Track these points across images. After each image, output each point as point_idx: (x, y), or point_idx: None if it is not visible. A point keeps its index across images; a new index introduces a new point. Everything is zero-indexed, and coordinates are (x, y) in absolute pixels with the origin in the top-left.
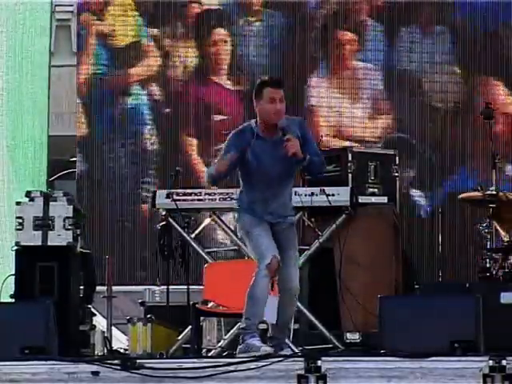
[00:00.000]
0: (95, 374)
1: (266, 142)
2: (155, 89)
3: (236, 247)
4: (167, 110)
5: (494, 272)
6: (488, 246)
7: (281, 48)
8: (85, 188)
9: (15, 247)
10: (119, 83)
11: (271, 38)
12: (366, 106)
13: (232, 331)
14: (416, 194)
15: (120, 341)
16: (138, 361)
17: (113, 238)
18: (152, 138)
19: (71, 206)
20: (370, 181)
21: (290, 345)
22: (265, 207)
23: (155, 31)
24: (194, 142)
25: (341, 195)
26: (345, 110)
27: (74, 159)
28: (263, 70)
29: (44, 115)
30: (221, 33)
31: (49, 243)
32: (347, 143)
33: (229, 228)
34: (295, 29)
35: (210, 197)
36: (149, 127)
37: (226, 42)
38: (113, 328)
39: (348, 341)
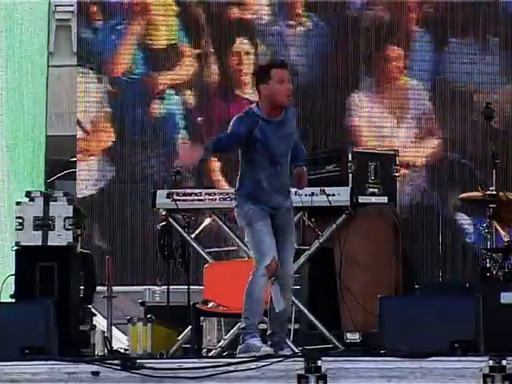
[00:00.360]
0: (95, 374)
1: (271, 123)
2: (189, 95)
3: (236, 247)
4: (200, 118)
5: (494, 272)
6: (488, 246)
7: (322, 58)
8: (115, 194)
9: (15, 247)
10: (152, 86)
11: (312, 47)
12: (411, 126)
13: (232, 331)
14: (463, 218)
15: (120, 341)
16: (138, 361)
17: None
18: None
19: (71, 206)
20: (370, 181)
21: (290, 344)
22: (268, 187)
23: (192, 35)
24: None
25: (341, 195)
26: (388, 130)
27: (74, 159)
28: (302, 81)
29: (43, 115)
30: (244, 44)
31: (49, 243)
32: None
33: (229, 228)
34: (338, 37)
35: (210, 197)
36: (181, 135)
37: (248, 53)
38: (113, 328)
39: (348, 341)
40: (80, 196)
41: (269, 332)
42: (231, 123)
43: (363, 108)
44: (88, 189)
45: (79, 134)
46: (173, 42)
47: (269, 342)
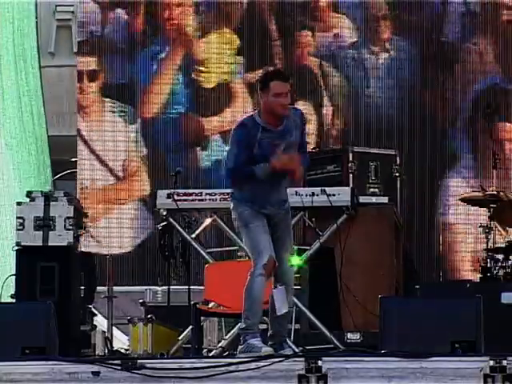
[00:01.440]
0: (96, 374)
1: (272, 132)
2: None
3: (237, 247)
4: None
5: (495, 272)
6: (489, 247)
7: (410, 88)
8: None
9: (16, 247)
10: (196, 130)
11: (398, 75)
12: None
13: (233, 331)
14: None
15: (121, 341)
16: (138, 361)
17: None
18: None
19: (72, 206)
20: (370, 181)
21: (291, 344)
22: (267, 196)
23: (249, 74)
24: None
25: (341, 195)
26: None
27: (75, 159)
28: (385, 117)
29: (42, 114)
30: None
31: (49, 243)
32: None
33: (229, 228)
34: (428, 64)
35: (211, 197)
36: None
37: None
38: (113, 328)
39: (349, 341)
40: None
41: (269, 333)
42: (233, 139)
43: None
44: None
45: (111, 180)
46: (225, 79)
47: (269, 343)
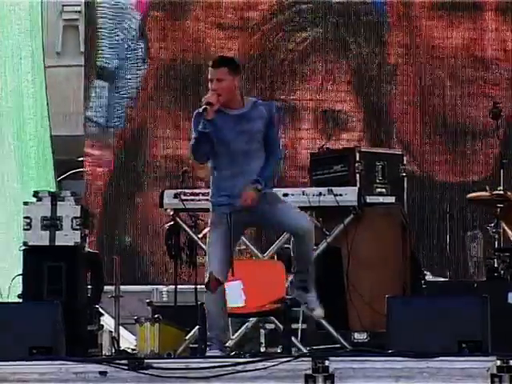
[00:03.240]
0: (103, 373)
1: (227, 115)
2: None
3: (244, 247)
4: None
5: (502, 272)
6: (496, 246)
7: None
8: None
9: (23, 247)
10: None
11: None
12: None
13: (239, 331)
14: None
15: (128, 341)
16: (145, 361)
17: None
18: None
19: (79, 206)
20: (377, 181)
21: (297, 344)
22: (233, 186)
23: None
24: None
25: (348, 195)
26: None
27: (82, 159)
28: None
29: (45, 115)
30: None
31: (56, 243)
32: None
33: None
34: None
35: (211, 200)
36: None
37: None
38: (120, 328)
39: (356, 340)
40: None
41: (293, 270)
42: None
43: None
44: None
45: None
46: None
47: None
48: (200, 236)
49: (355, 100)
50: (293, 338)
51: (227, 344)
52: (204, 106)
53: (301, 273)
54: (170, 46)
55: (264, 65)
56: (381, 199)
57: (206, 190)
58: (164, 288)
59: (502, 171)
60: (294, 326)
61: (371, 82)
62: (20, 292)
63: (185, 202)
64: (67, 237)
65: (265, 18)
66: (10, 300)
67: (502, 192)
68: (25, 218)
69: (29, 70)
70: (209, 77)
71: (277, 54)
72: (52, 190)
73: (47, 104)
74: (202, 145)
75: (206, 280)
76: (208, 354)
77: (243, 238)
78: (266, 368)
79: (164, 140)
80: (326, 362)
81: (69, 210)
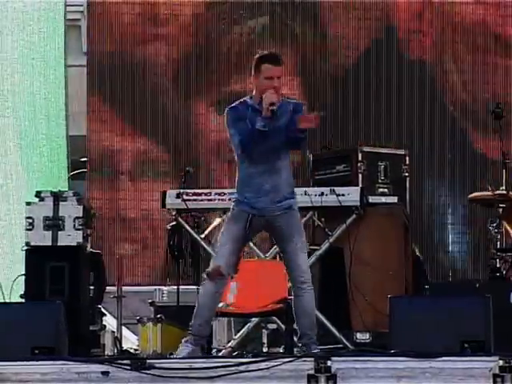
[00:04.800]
0: (105, 374)
1: (259, 112)
2: None
3: (247, 247)
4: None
5: (504, 272)
6: (498, 246)
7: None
8: None
9: (25, 247)
10: None
11: None
12: None
13: (242, 331)
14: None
15: (130, 341)
16: (147, 361)
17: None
18: None
19: (81, 206)
20: (380, 181)
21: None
22: (259, 185)
23: None
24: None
25: (351, 195)
26: None
27: (85, 159)
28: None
29: (61, 115)
30: None
31: (59, 243)
32: None
33: None
34: None
35: (220, 197)
36: None
37: None
38: (123, 328)
39: (358, 341)
40: None
41: (298, 334)
42: (226, 121)
43: None
44: None
45: None
46: None
47: (299, 343)
48: (202, 236)
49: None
50: (295, 338)
51: (230, 344)
52: (271, 108)
53: (305, 335)
54: None
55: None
56: (383, 199)
57: (209, 191)
58: (165, 288)
59: (504, 171)
60: (296, 325)
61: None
62: (22, 292)
63: (187, 203)
64: (70, 237)
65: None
66: (12, 300)
67: (504, 192)
68: (27, 218)
69: (41, 71)
70: (266, 74)
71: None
72: (63, 189)
73: (65, 104)
74: (256, 142)
75: (209, 268)
76: (181, 344)
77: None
78: (268, 368)
79: None
80: (329, 362)
81: (71, 210)
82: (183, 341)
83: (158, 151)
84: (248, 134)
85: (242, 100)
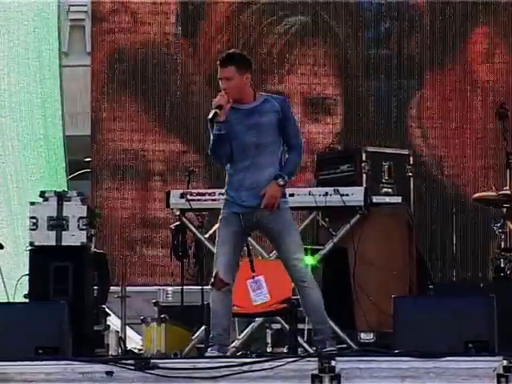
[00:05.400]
0: (109, 373)
1: (237, 109)
2: None
3: (250, 247)
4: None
5: (508, 272)
6: (502, 246)
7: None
8: None
9: (29, 247)
10: None
11: None
12: None
13: (246, 331)
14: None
15: (134, 341)
16: (152, 361)
17: None
18: None
19: (85, 206)
20: (384, 181)
21: (304, 344)
22: (243, 179)
23: None
24: None
25: (355, 195)
26: None
27: (89, 159)
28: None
29: (57, 115)
30: None
31: (63, 243)
32: None
33: None
34: None
35: (224, 197)
36: None
37: None
38: (127, 328)
39: (362, 341)
40: None
41: (313, 331)
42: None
43: None
44: None
45: None
46: None
47: (315, 340)
48: (206, 236)
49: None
50: (299, 338)
51: (233, 344)
52: (214, 111)
53: (318, 331)
54: None
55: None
56: (387, 199)
57: (213, 191)
58: (169, 288)
59: (508, 171)
60: (300, 325)
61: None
62: (26, 292)
63: (191, 202)
64: (74, 237)
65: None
66: (16, 300)
67: (508, 192)
68: (31, 218)
69: (37, 71)
70: (218, 75)
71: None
72: (60, 190)
73: (61, 104)
74: (220, 146)
75: (212, 279)
76: (207, 354)
77: (250, 238)
78: (272, 368)
79: None
80: (333, 362)
81: (75, 210)
82: (209, 349)
83: (190, 152)
84: (212, 140)
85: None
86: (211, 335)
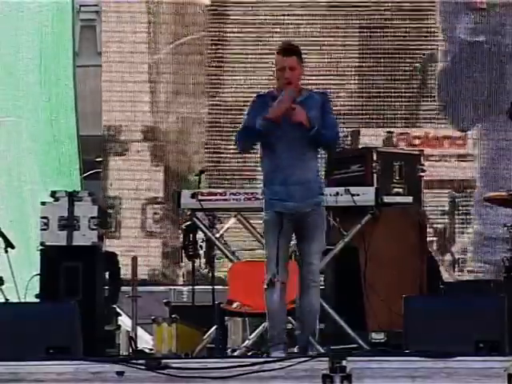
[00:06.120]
0: (120, 373)
1: None
2: None
3: (262, 247)
4: None
5: None
6: None
7: None
8: None
9: (40, 247)
10: None
11: None
12: None
13: (257, 331)
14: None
15: (145, 341)
16: (162, 361)
17: None
18: None
19: (96, 206)
20: (394, 180)
21: (314, 343)
22: (285, 179)
23: None
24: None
25: (366, 195)
26: None
27: (100, 159)
28: None
29: (72, 116)
30: None
31: (74, 243)
32: None
33: (254, 228)
34: None
35: (235, 197)
36: None
37: None
38: (138, 328)
39: (373, 340)
40: None
41: (296, 332)
42: (248, 107)
43: None
44: None
45: None
46: None
47: (298, 343)
48: (217, 236)
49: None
50: (310, 338)
51: (244, 344)
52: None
53: (301, 335)
54: None
55: None
56: (398, 199)
57: (224, 191)
58: (184, 288)
59: None
60: (295, 324)
61: None
62: (37, 292)
63: (202, 202)
64: (85, 237)
65: None
66: (27, 300)
67: None
68: (42, 218)
69: (52, 72)
70: (278, 66)
71: None
72: (75, 190)
73: (75, 105)
74: (252, 140)
75: (267, 281)
76: (272, 354)
77: (261, 238)
78: (283, 368)
79: None
80: (344, 362)
81: (86, 209)
82: (272, 350)
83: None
84: (245, 129)
85: (270, 90)
86: (270, 334)
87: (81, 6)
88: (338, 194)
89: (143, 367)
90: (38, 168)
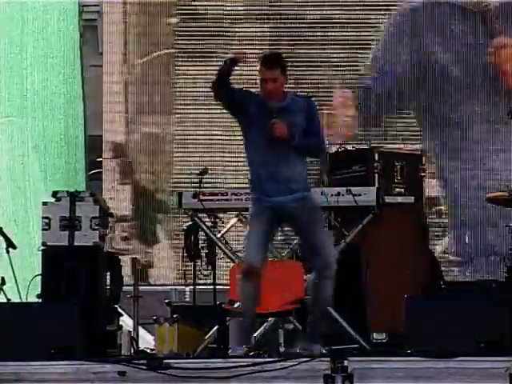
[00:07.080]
0: (122, 374)
1: (267, 107)
2: None
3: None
4: None
5: None
6: None
7: None
8: None
9: (42, 247)
10: None
11: None
12: None
13: (258, 331)
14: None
15: (146, 341)
16: (164, 361)
17: None
18: None
19: (98, 206)
20: (396, 181)
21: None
22: (271, 174)
23: None
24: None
25: (367, 195)
26: None
27: (101, 159)
28: None
29: (79, 115)
30: None
31: (75, 243)
32: None
33: None
34: None
35: (237, 197)
36: None
37: None
38: (139, 328)
39: (374, 341)
40: None
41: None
42: None
43: None
44: None
45: None
46: None
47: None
48: (219, 236)
49: None
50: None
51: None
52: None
53: (315, 323)
54: None
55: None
56: (399, 199)
57: (225, 191)
58: (186, 288)
59: None
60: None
61: None
62: (39, 292)
63: (203, 203)
64: (86, 237)
65: None
66: (28, 300)
67: None
68: (43, 218)
69: (60, 70)
70: (261, 76)
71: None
72: (79, 190)
73: (84, 104)
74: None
75: (243, 267)
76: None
77: None
78: (285, 368)
79: None
80: (345, 362)
81: (88, 210)
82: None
83: None
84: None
85: (257, 92)
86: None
87: (83, 6)
88: (339, 194)
89: (145, 367)
90: (42, 168)
